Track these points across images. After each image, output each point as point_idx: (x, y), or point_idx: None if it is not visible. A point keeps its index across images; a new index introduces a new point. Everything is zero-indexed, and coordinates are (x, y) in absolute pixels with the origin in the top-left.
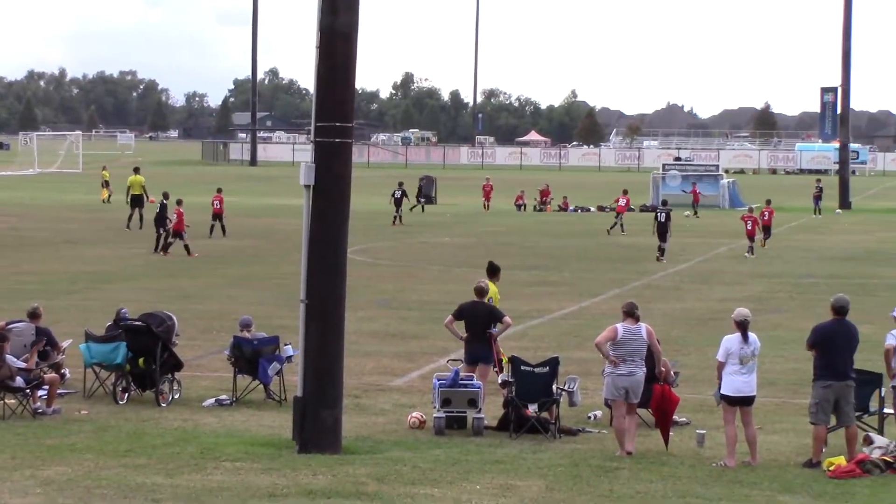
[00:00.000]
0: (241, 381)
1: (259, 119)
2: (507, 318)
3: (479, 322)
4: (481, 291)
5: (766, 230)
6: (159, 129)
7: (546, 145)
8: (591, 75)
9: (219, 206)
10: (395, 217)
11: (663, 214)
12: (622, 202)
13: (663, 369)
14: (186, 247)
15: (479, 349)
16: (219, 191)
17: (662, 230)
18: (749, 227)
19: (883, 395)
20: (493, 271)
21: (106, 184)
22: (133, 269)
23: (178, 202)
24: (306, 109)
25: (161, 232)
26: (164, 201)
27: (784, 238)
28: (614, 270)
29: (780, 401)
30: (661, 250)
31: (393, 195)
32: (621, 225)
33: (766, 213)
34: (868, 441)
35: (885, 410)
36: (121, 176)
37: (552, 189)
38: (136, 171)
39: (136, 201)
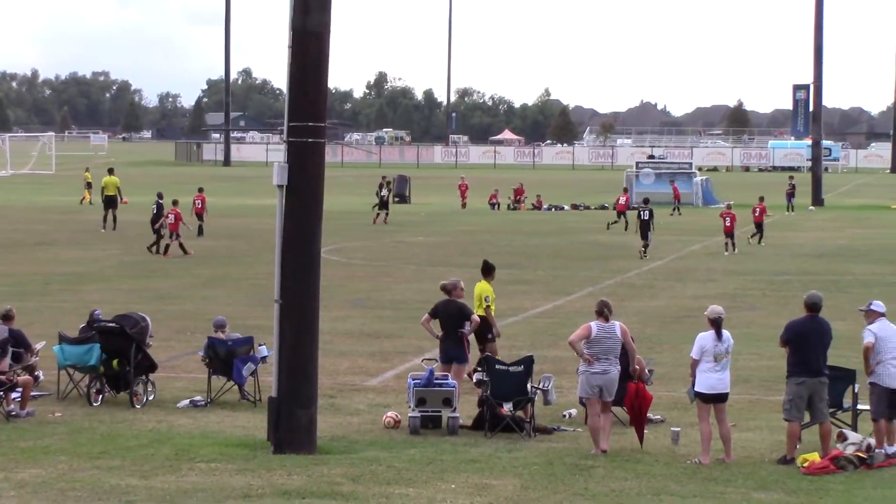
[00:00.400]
0: (215, 381)
1: (232, 119)
2: (474, 317)
3: (451, 321)
4: (445, 290)
5: (759, 227)
6: (132, 130)
7: (520, 144)
8: (564, 74)
9: (200, 206)
10: (377, 215)
11: (646, 212)
12: (622, 200)
13: (637, 367)
14: (181, 245)
15: (452, 348)
16: (200, 190)
17: (645, 227)
18: (728, 224)
19: (857, 391)
20: (487, 270)
21: (88, 185)
22: (107, 271)
23: (174, 202)
24: (280, 109)
25: (161, 233)
26: (160, 202)
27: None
28: (588, 269)
29: (753, 398)
30: (645, 247)
31: (378, 193)
32: (626, 222)
33: (758, 209)
34: (842, 437)
35: (859, 407)
36: (95, 177)
37: (526, 188)
38: (111, 171)
39: (110, 202)
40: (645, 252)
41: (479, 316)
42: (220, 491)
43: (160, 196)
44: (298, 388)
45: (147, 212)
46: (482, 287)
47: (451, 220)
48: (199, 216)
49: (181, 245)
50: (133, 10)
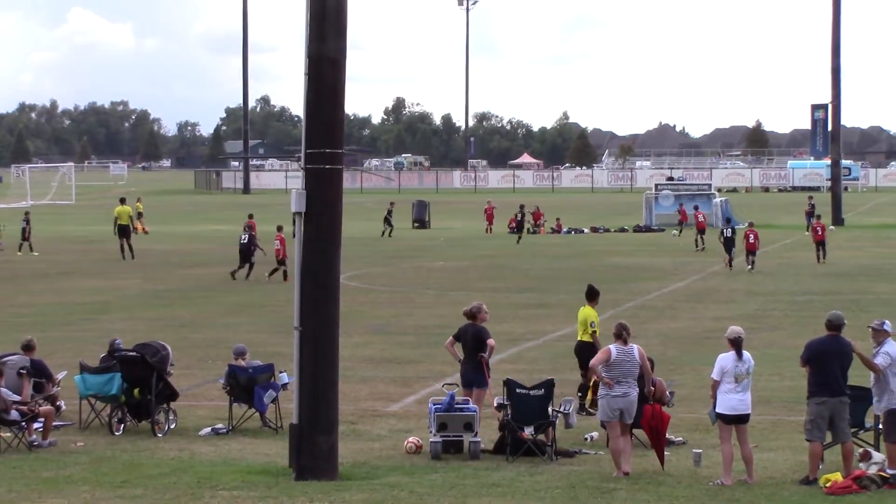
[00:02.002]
0: (236, 409)
1: (251, 147)
2: (490, 341)
3: (469, 344)
4: (468, 315)
5: (751, 254)
6: (152, 159)
7: (539, 167)
8: (582, 97)
9: (280, 247)
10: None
11: (729, 230)
12: (700, 217)
13: (653, 388)
14: (284, 273)
15: (471, 372)
16: (279, 229)
17: (729, 243)
18: (751, 241)
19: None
20: (592, 295)
21: (139, 215)
22: (128, 300)
23: (279, 228)
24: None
25: (252, 261)
26: (252, 233)
27: (778, 255)
28: (609, 291)
29: (775, 418)
30: (730, 261)
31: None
32: (702, 240)
33: (752, 235)
34: (866, 457)
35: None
36: (110, 207)
37: (545, 211)
38: (123, 201)
39: (123, 232)
40: (730, 265)
41: (585, 342)
42: None
43: (251, 217)
44: (319, 415)
45: (171, 239)
46: (587, 312)
47: (472, 244)
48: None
49: (284, 272)
50: (152, 40)
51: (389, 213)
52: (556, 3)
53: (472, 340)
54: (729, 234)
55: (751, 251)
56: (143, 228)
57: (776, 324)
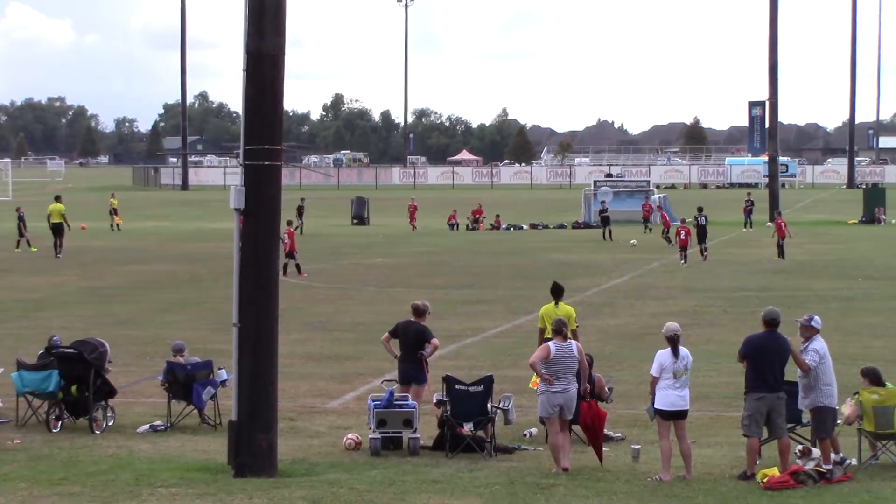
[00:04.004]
0: (175, 406)
1: (190, 143)
2: (434, 340)
3: (410, 342)
4: (417, 310)
5: (684, 250)
6: (89, 155)
7: (478, 164)
8: (521, 93)
9: (288, 241)
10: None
11: (703, 218)
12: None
13: (589, 385)
14: (298, 266)
15: (410, 369)
16: (288, 223)
17: (702, 233)
18: (682, 238)
19: None
20: (557, 292)
21: (114, 211)
22: (65, 297)
23: (288, 223)
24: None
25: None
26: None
27: (715, 252)
28: (548, 287)
29: (713, 414)
30: (704, 250)
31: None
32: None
33: (683, 232)
34: (807, 452)
35: None
36: (47, 203)
37: (485, 208)
38: (58, 199)
39: (57, 229)
40: (705, 253)
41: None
42: None
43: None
44: (258, 412)
45: (108, 236)
46: (567, 310)
47: (410, 241)
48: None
49: (297, 266)
50: (89, 36)
51: (300, 208)
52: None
53: (414, 337)
54: (703, 223)
55: (683, 247)
56: (118, 223)
57: (714, 320)
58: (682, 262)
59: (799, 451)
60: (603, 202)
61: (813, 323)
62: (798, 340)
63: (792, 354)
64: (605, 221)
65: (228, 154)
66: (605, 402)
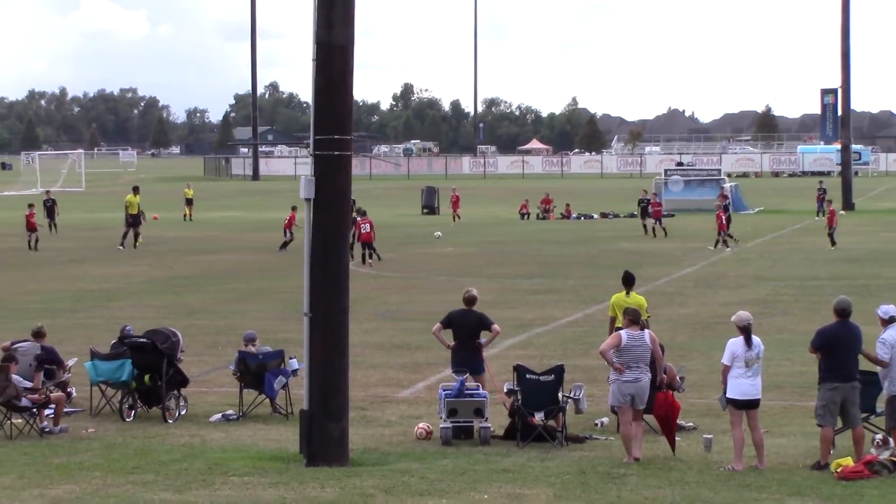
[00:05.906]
0: (247, 395)
1: (260, 133)
2: (495, 327)
3: (467, 331)
4: (472, 300)
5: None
6: (161, 146)
7: (548, 153)
8: (591, 82)
9: (368, 231)
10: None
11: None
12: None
13: (665, 375)
14: (376, 254)
15: (467, 358)
16: (363, 214)
17: (727, 220)
18: (722, 222)
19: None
20: (628, 281)
21: (189, 202)
22: (138, 287)
23: (363, 213)
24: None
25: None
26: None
27: (788, 240)
28: (618, 277)
29: (787, 404)
30: (731, 236)
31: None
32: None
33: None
34: (885, 443)
35: None
36: (124, 194)
37: (554, 197)
38: (136, 190)
39: (134, 220)
40: (733, 239)
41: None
42: None
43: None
44: (330, 401)
45: (180, 226)
46: (638, 300)
47: (481, 230)
48: (368, 245)
49: (376, 254)
50: (162, 27)
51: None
52: None
53: (477, 326)
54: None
55: (721, 231)
56: (191, 214)
57: (786, 309)
58: (724, 247)
59: (878, 440)
60: (644, 191)
61: (879, 313)
62: (874, 332)
63: (867, 357)
64: (644, 213)
65: (299, 144)
66: (677, 391)
